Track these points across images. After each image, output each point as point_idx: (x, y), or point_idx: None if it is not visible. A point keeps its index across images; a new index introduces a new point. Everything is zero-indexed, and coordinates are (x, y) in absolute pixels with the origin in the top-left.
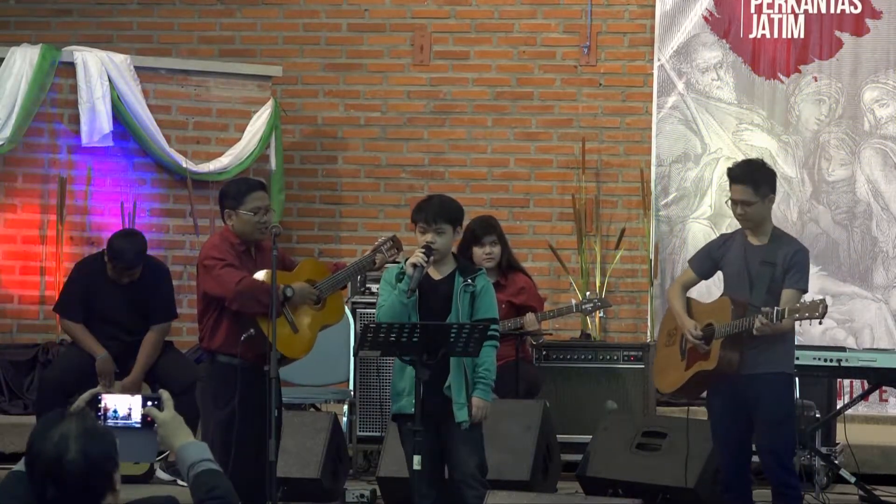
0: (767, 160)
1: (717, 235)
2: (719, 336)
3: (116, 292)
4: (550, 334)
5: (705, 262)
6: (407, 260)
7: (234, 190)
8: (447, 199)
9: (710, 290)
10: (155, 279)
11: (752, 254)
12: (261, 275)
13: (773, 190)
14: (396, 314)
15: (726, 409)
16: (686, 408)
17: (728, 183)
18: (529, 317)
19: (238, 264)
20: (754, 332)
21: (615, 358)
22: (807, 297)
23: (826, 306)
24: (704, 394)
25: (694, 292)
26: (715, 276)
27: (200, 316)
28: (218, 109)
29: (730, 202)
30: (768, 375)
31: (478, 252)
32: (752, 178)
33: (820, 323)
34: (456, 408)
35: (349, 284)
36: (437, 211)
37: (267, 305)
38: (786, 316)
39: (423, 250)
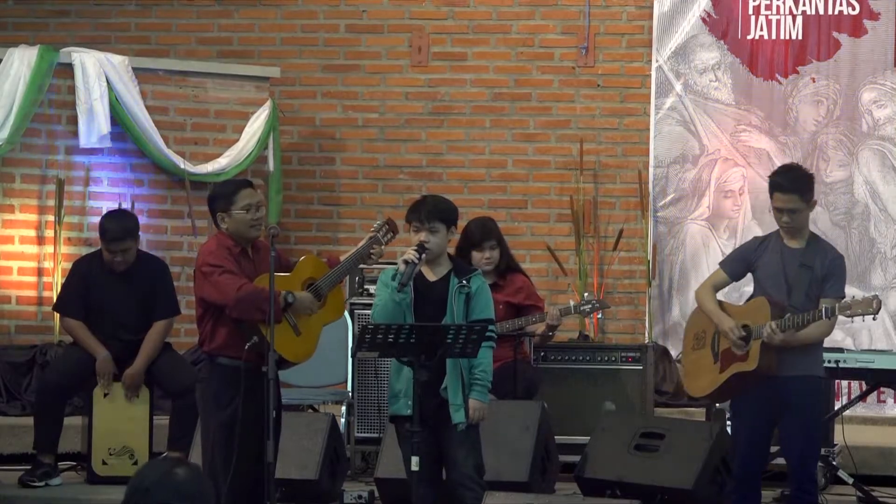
0: (766, 161)
1: (751, 238)
2: (758, 336)
3: (115, 289)
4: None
5: (740, 265)
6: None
7: (223, 192)
8: (440, 198)
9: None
10: (153, 275)
11: (789, 257)
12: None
13: (814, 194)
14: (390, 312)
15: (753, 411)
16: (702, 408)
17: (770, 192)
18: (552, 311)
19: (236, 269)
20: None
21: (613, 359)
22: (857, 295)
23: (880, 302)
24: None
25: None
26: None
27: (199, 320)
28: (216, 110)
29: (774, 211)
30: (803, 378)
31: (476, 256)
32: (799, 186)
33: (874, 319)
34: (452, 409)
35: (348, 284)
36: (430, 210)
37: (267, 312)
38: (837, 312)
39: (416, 248)
